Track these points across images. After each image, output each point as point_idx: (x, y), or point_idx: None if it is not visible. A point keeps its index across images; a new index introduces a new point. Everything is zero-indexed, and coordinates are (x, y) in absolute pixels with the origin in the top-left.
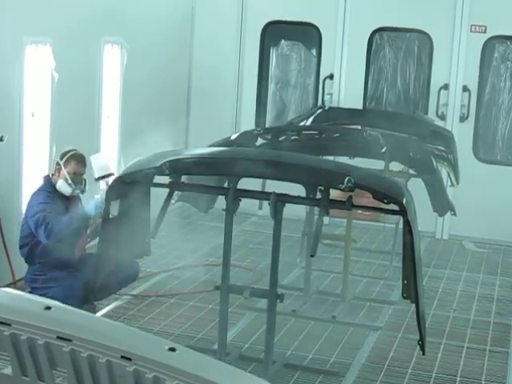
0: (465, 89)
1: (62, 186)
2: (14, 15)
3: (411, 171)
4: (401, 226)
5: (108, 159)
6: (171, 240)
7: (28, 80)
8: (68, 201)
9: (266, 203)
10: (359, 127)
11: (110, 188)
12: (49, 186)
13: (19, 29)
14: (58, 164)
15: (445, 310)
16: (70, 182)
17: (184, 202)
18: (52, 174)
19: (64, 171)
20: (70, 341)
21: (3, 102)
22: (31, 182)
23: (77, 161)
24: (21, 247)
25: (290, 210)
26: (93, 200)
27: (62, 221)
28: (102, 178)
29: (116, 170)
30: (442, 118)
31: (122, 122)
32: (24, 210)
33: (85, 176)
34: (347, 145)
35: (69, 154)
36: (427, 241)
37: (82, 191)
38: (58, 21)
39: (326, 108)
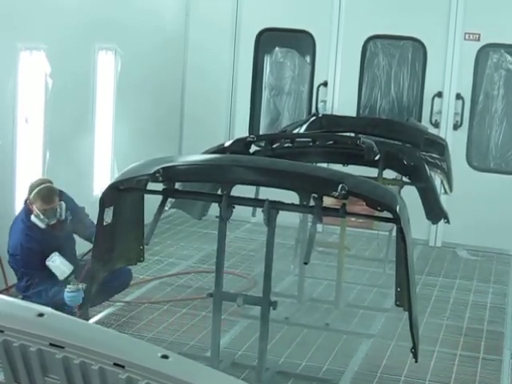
0: (458, 97)
1: (36, 221)
2: (8, 21)
3: (405, 179)
4: (394, 233)
5: (62, 259)
6: (164, 247)
7: (22, 86)
8: (53, 226)
9: (259, 210)
10: (353, 135)
11: (104, 195)
12: (28, 215)
13: (13, 35)
14: (28, 198)
15: (438, 317)
16: (41, 217)
17: (177, 208)
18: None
19: (34, 207)
20: (63, 348)
21: None
22: (25, 189)
23: (42, 200)
24: (10, 257)
25: (284, 218)
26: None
27: (42, 297)
28: (68, 276)
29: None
30: (436, 125)
31: (116, 128)
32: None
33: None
34: (341, 152)
35: (35, 191)
36: (420, 248)
37: (59, 219)
38: (52, 27)
39: (320, 115)
